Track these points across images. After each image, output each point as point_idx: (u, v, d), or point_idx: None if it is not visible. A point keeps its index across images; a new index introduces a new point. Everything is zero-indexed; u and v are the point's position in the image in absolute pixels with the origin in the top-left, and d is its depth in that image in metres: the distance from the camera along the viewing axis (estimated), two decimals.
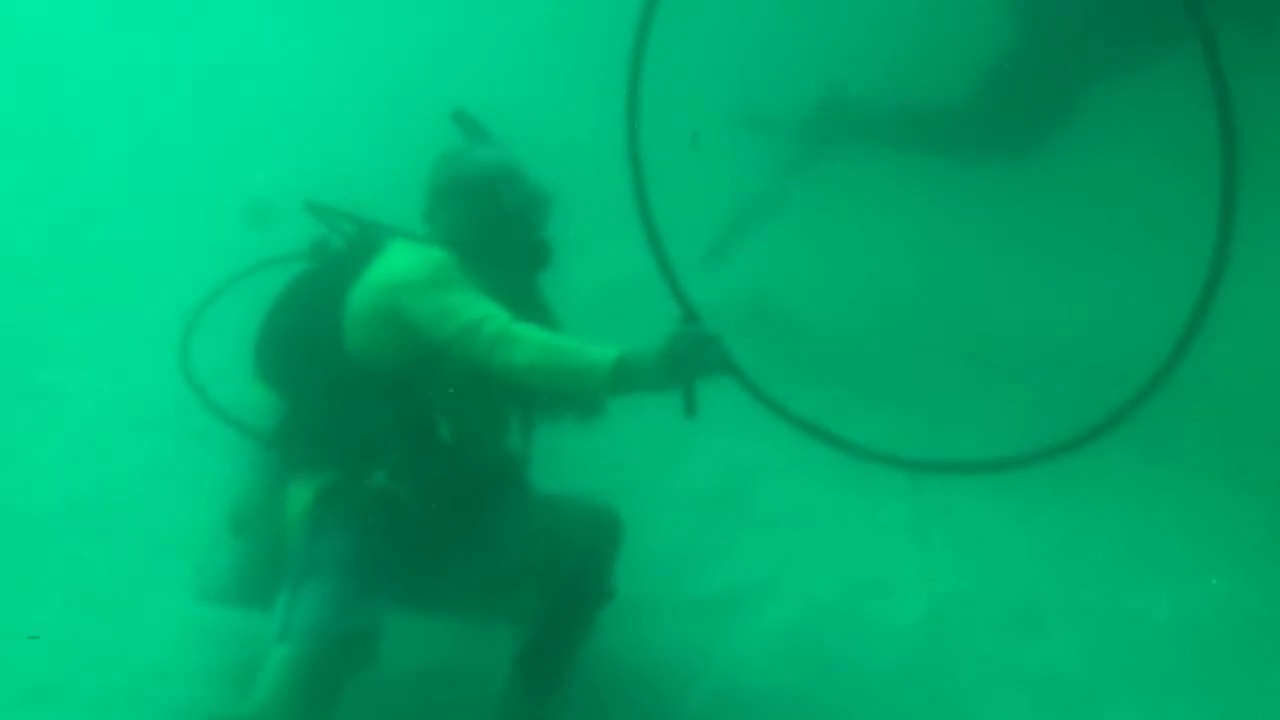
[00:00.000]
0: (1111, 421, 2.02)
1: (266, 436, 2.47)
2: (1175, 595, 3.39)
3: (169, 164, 6.41)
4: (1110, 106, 5.33)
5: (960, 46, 5.51)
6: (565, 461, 2.79)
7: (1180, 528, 3.76)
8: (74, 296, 4.99)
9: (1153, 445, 4.02)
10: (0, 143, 6.40)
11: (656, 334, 2.14)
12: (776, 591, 3.35)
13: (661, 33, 2.33)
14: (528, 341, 2.19)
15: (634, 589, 2.76)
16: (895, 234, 5.95)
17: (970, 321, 5.37)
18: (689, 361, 2.12)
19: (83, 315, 4.83)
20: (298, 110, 7.13)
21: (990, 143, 5.56)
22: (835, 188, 5.77)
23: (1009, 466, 2.20)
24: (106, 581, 3.16)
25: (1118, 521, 3.83)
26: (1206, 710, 2.95)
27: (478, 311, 2.26)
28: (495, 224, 2.51)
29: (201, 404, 2.52)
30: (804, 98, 5.80)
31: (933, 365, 4.99)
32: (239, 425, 2.52)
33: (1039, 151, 5.51)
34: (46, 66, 7.40)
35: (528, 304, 2.54)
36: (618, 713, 2.79)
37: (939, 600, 3.37)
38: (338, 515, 2.34)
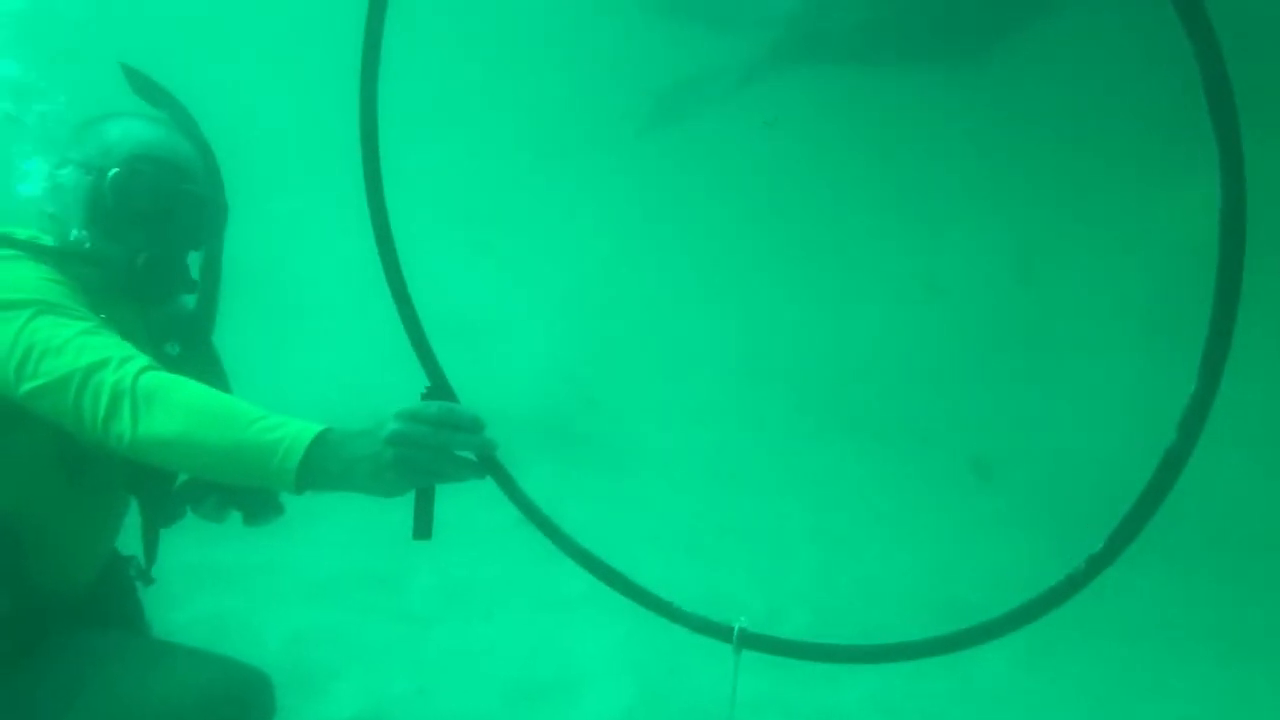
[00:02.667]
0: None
1: None
2: (867, 684, 3.12)
3: None
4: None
5: None
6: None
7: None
8: None
9: None
10: None
11: (384, 406, 1.30)
12: (419, 708, 2.76)
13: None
14: (174, 403, 1.37)
15: None
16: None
17: None
18: (430, 457, 1.31)
19: None
20: None
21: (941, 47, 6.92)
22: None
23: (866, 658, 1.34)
24: None
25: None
26: None
27: (94, 352, 1.42)
28: (131, 227, 1.68)
29: None
30: None
31: None
32: None
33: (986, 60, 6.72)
34: None
35: (182, 348, 1.73)
36: None
37: (617, 706, 2.88)
38: None
